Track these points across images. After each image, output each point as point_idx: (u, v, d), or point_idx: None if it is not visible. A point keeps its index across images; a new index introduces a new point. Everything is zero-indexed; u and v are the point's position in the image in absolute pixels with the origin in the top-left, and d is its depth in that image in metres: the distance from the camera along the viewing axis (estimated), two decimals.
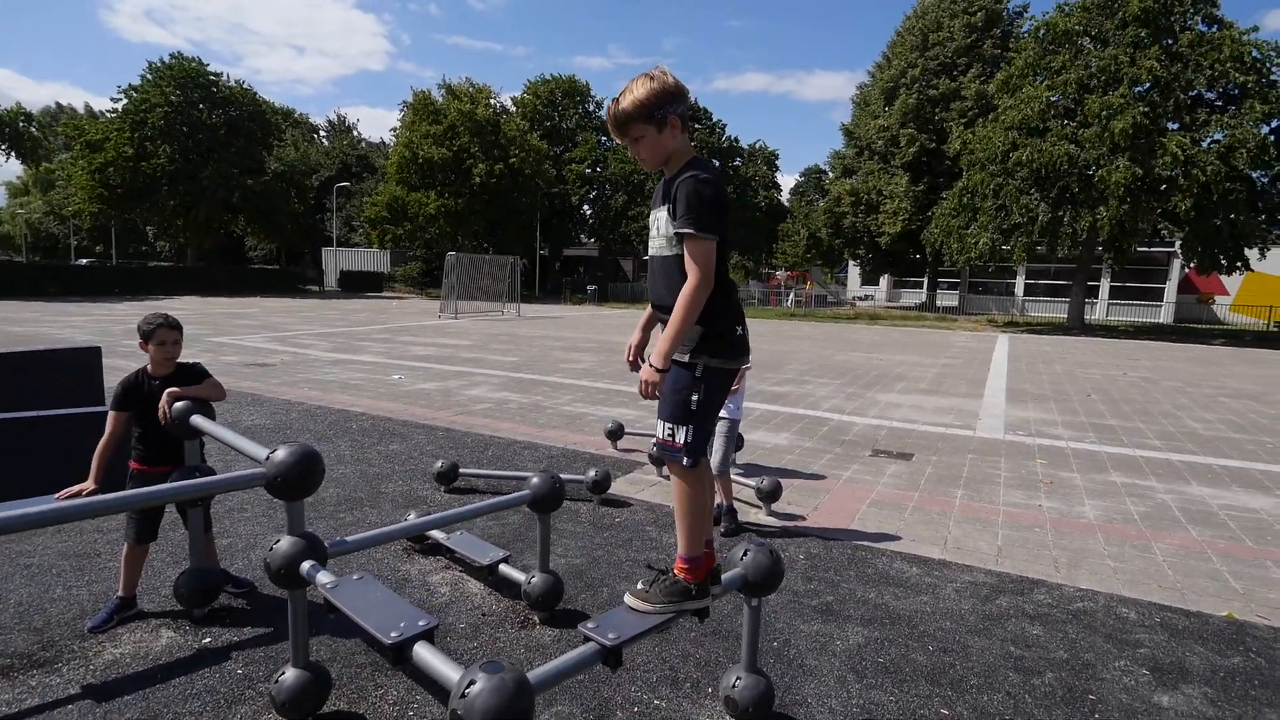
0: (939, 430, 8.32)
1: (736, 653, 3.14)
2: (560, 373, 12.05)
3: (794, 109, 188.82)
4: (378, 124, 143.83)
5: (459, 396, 9.48)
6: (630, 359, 2.57)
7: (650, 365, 2.24)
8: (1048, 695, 2.99)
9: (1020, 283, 42.36)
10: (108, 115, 41.00)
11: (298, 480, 2.50)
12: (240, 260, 56.87)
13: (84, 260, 54.44)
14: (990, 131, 28.10)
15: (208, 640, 3.30)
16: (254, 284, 40.40)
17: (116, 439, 3.33)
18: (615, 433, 6.67)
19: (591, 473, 5.11)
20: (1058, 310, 36.53)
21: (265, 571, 2.52)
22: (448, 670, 1.86)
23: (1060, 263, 36.14)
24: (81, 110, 59.96)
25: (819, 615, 3.64)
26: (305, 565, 2.45)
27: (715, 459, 4.71)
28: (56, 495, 3.10)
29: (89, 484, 3.17)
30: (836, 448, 7.30)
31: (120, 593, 3.45)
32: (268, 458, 2.52)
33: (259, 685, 2.95)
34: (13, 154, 37.36)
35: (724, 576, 2.51)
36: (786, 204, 53.67)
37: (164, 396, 3.26)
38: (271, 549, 2.51)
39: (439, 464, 5.45)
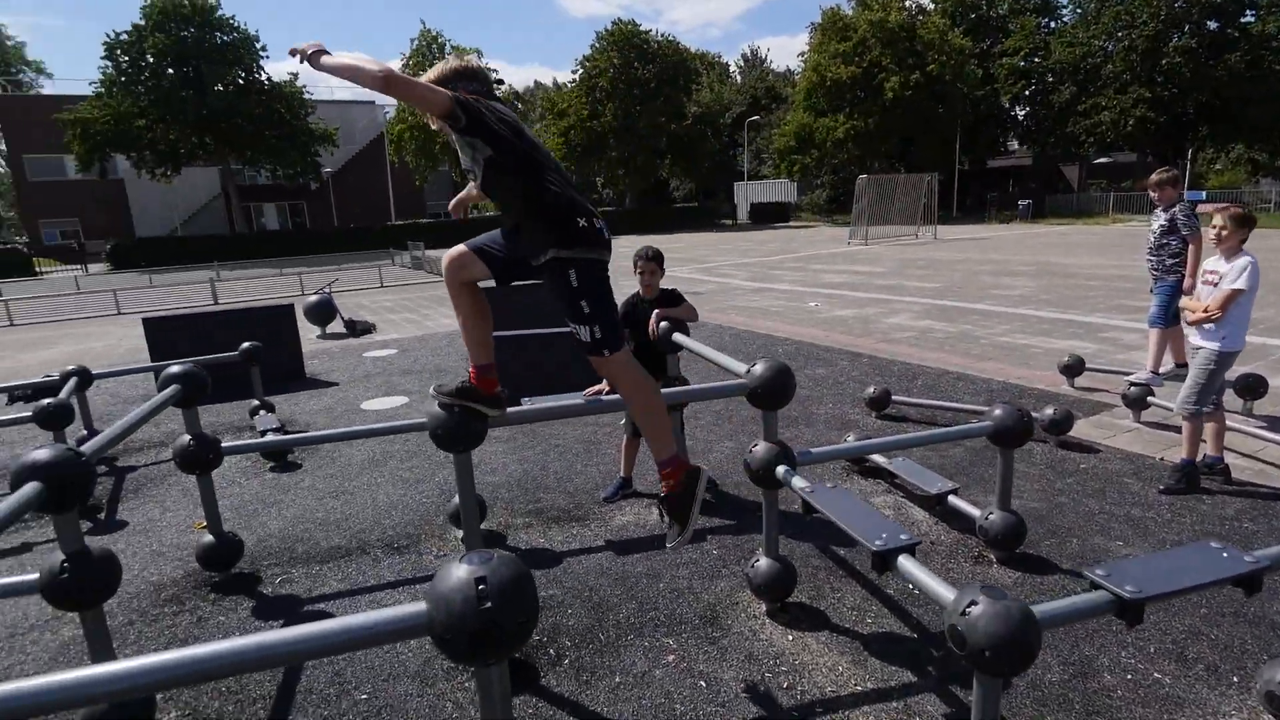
0: None
1: (1273, 645, 2.53)
2: (991, 299, 10.90)
3: None
4: (782, 52, 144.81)
5: (879, 324, 9.29)
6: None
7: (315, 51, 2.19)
8: None
9: None
10: (568, 85, 49.24)
11: (775, 391, 2.75)
12: (666, 200, 63.95)
13: None
14: None
15: None
16: (678, 221, 45.17)
17: None
18: (1073, 368, 5.80)
19: (1049, 410, 4.55)
20: None
21: (745, 470, 2.85)
22: (939, 587, 1.87)
23: None
24: (550, 84, 73.17)
25: None
26: (780, 469, 2.69)
27: (1182, 396, 3.78)
28: (583, 394, 3.94)
29: (603, 386, 3.94)
30: None
31: (622, 474, 4.30)
32: (748, 371, 2.81)
33: (732, 566, 3.41)
34: None
35: (1261, 553, 2.00)
36: None
37: (653, 316, 3.86)
38: (750, 452, 2.81)
39: (871, 389, 5.45)
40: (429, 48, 42.70)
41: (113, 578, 2.23)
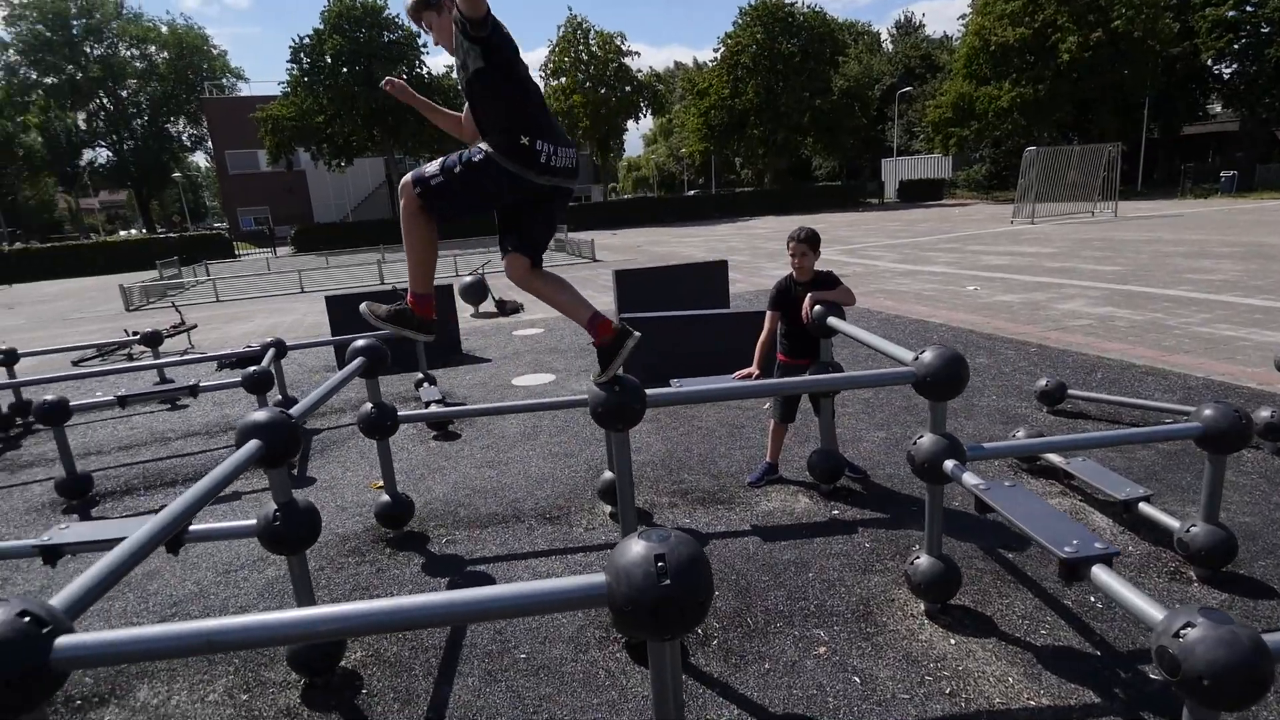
0: None
1: None
2: (1186, 285, 9.67)
3: None
4: (940, 16, 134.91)
5: (1049, 310, 8.52)
6: None
7: None
8: None
9: None
10: (708, 65, 48.70)
11: (946, 381, 2.58)
12: (807, 179, 61.92)
13: (692, 191, 67.24)
14: None
15: (836, 512, 3.80)
16: (819, 201, 43.65)
17: (773, 334, 4.00)
18: None
19: (1265, 412, 3.97)
20: None
21: (909, 463, 2.71)
22: (1145, 604, 1.68)
23: None
24: (690, 64, 72.69)
25: None
26: (949, 463, 2.53)
27: None
28: (732, 376, 3.91)
29: (753, 369, 3.90)
30: None
31: (768, 459, 4.24)
32: (916, 359, 2.65)
33: (886, 561, 3.27)
34: (649, 111, 47.94)
35: None
36: None
37: (806, 299, 3.74)
38: (915, 443, 2.66)
39: (1043, 382, 5.01)
40: (575, 33, 43.76)
41: (315, 527, 2.48)
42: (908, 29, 65.81)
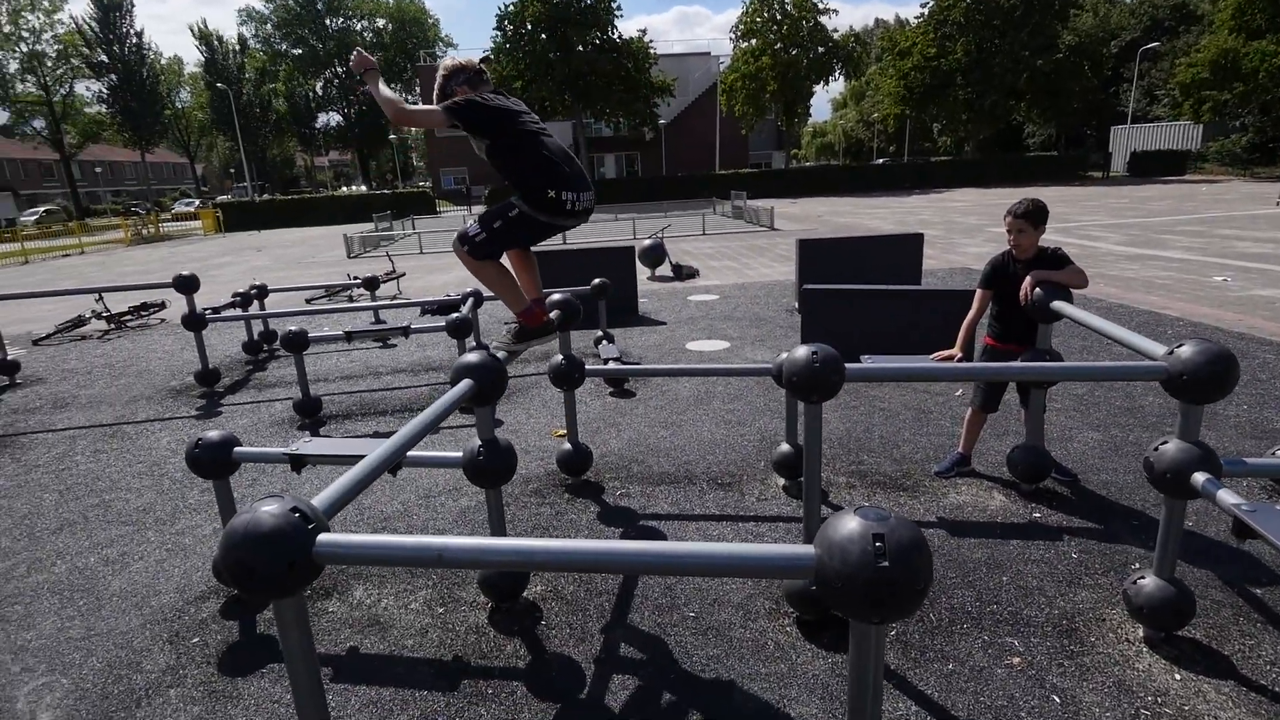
0: None
1: None
2: None
3: None
4: None
5: None
6: None
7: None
8: None
9: None
10: (912, 21, 45.09)
11: (1208, 381, 2.20)
12: (1017, 148, 56.02)
13: (881, 160, 63.30)
14: None
15: (1037, 515, 3.45)
16: (1030, 172, 39.28)
17: (981, 314, 3.66)
18: None
19: None
20: None
21: (1146, 471, 2.37)
22: None
23: None
24: (892, 22, 67.74)
25: None
26: (1199, 477, 2.18)
27: None
28: (931, 357, 3.64)
29: (956, 351, 3.60)
30: None
31: (960, 449, 3.92)
32: (1170, 353, 2.30)
33: (1096, 576, 2.92)
34: (842, 73, 45.44)
35: None
36: None
37: (1026, 279, 3.37)
38: (1157, 449, 2.32)
39: None
40: None
41: (512, 465, 2.65)
42: None
